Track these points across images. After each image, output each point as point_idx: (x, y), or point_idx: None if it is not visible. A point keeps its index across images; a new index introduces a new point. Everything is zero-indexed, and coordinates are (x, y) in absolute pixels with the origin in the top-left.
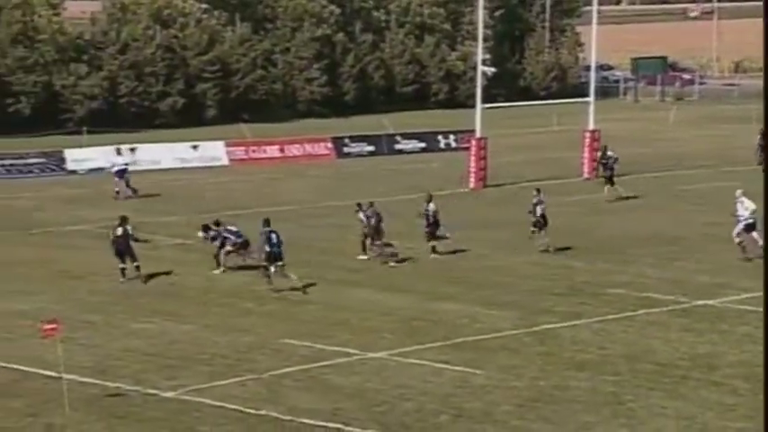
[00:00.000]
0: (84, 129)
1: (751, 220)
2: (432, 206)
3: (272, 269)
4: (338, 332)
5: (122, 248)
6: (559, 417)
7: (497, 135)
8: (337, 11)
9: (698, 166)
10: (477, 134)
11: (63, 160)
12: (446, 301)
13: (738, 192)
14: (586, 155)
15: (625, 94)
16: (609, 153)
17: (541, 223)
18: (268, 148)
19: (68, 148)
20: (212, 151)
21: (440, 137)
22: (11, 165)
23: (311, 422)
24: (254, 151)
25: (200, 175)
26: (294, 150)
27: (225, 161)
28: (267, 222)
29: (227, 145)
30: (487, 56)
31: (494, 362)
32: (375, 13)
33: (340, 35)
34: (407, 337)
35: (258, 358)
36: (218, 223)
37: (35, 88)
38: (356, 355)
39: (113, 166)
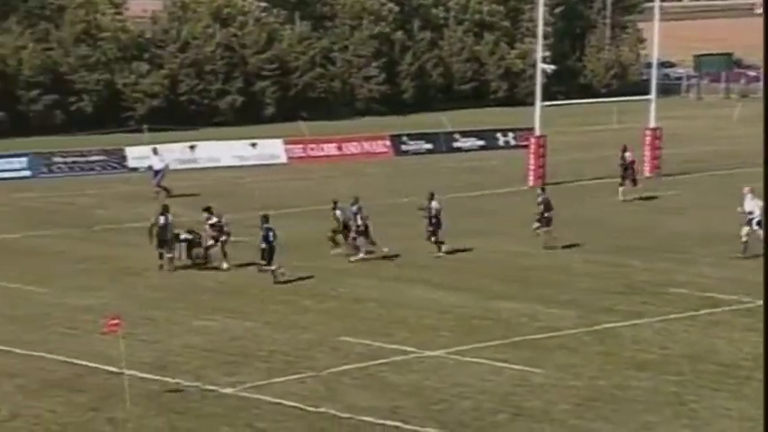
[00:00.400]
0: (145, 127)
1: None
2: (435, 204)
3: (273, 267)
4: (396, 330)
5: (165, 238)
6: (619, 416)
7: (557, 133)
8: (396, 8)
9: (761, 164)
10: (537, 132)
11: (124, 158)
12: (504, 300)
13: (746, 189)
14: (647, 153)
15: (687, 91)
16: (626, 154)
17: (546, 220)
18: (326, 145)
19: (129, 146)
20: (271, 149)
21: (498, 135)
22: (73, 162)
23: (370, 420)
24: (312, 149)
25: (259, 172)
26: (352, 148)
27: (283, 159)
28: (266, 219)
29: (286, 143)
30: (547, 53)
31: (552, 361)
32: (434, 11)
33: (398, 33)
34: (465, 336)
35: (317, 356)
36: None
37: (97, 86)
38: (414, 354)
39: (150, 166)
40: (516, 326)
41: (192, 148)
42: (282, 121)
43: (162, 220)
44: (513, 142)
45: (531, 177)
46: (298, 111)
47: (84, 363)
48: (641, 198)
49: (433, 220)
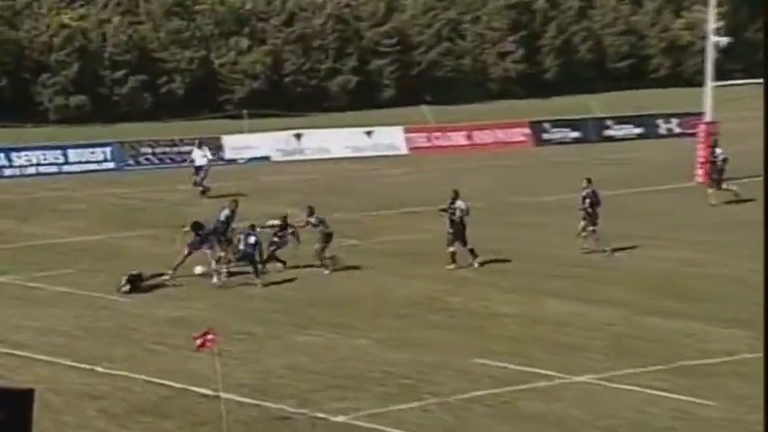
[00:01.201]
0: (245, 112)
1: None
2: (460, 204)
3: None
4: (535, 350)
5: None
6: None
7: (732, 119)
8: None
9: None
10: (707, 117)
11: (220, 148)
12: (663, 316)
13: None
14: None
15: None
16: (717, 150)
17: (592, 218)
18: (453, 134)
19: (227, 135)
20: (389, 138)
21: (659, 121)
22: (163, 153)
23: None
24: (437, 138)
25: (375, 165)
26: (484, 137)
27: (403, 150)
28: (251, 225)
29: (407, 131)
30: (721, 23)
31: (723, 390)
32: None
33: (540, 1)
34: (617, 358)
35: (442, 379)
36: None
37: (191, 65)
38: (557, 378)
39: (192, 160)
40: (678, 348)
41: (297, 136)
42: (403, 105)
43: (225, 214)
44: (677, 130)
45: (700, 172)
46: (421, 93)
47: (173, 384)
48: (735, 201)
49: (456, 224)
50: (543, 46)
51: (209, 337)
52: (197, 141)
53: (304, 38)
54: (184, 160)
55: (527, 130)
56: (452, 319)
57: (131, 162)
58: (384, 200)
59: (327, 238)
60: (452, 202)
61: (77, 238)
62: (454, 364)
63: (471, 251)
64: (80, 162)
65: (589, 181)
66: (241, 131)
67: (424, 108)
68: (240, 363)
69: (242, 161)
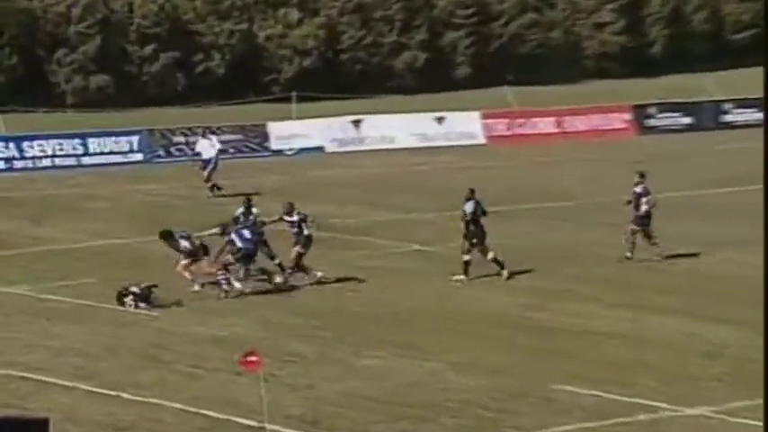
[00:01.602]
0: (294, 94)
1: None
2: (470, 206)
3: (241, 272)
4: (637, 376)
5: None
6: None
7: None
8: None
9: None
10: None
11: (266, 137)
12: None
13: None
14: None
15: None
16: None
17: (641, 219)
18: (540, 120)
19: (273, 121)
20: (464, 125)
21: None
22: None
23: None
24: (520, 125)
25: (448, 156)
26: (577, 124)
27: (480, 138)
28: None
29: (485, 116)
30: None
31: None
32: None
33: None
34: (740, 388)
35: (525, 410)
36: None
37: (231, 40)
38: (664, 411)
39: (199, 153)
40: None
41: (355, 123)
42: (480, 86)
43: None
44: None
45: None
46: (501, 72)
47: (211, 414)
48: None
49: (471, 228)
50: (648, 15)
51: (254, 358)
52: (202, 130)
53: (363, 7)
54: (224, 151)
55: (628, 116)
56: (538, 338)
57: (162, 153)
58: (457, 198)
59: (308, 241)
60: (465, 204)
61: (99, 242)
62: (539, 392)
63: (495, 261)
64: (102, 153)
65: (642, 175)
66: (289, 117)
67: (506, 90)
68: (289, 389)
69: (290, 152)
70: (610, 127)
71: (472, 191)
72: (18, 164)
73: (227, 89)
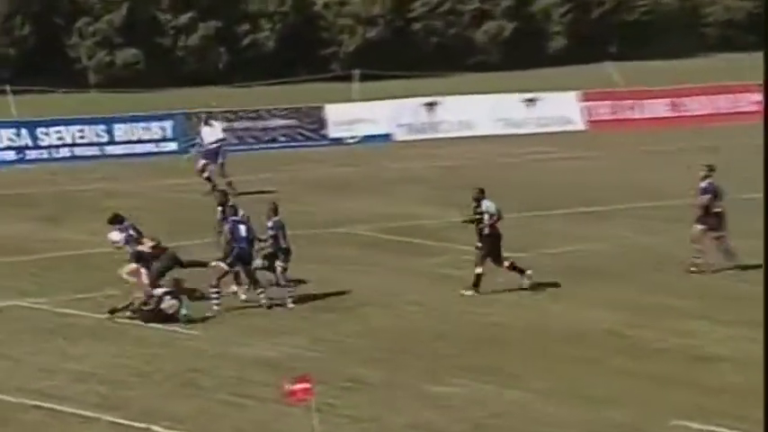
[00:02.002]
0: (356, 72)
1: None
2: (488, 206)
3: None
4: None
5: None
6: None
7: None
8: None
9: None
10: None
11: (322, 122)
12: None
13: None
14: None
15: None
16: None
17: (711, 220)
18: (651, 102)
19: (331, 104)
20: (559, 108)
21: None
22: (245, 129)
23: None
24: (627, 107)
25: (539, 146)
26: (696, 106)
27: (579, 124)
28: (235, 210)
29: (584, 98)
30: None
31: None
32: None
33: None
34: None
35: None
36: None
37: (282, 7)
38: None
39: (201, 143)
40: None
41: (429, 106)
42: (578, 61)
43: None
44: None
45: None
46: (604, 45)
47: None
48: None
49: (489, 235)
50: None
51: (305, 385)
52: (204, 116)
53: None
54: (273, 139)
55: (758, 96)
56: (643, 361)
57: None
58: (550, 195)
59: (287, 255)
60: (477, 206)
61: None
62: (647, 427)
63: (514, 267)
64: (130, 141)
65: (711, 168)
66: (350, 99)
67: (609, 65)
68: (349, 421)
69: (351, 141)
70: (735, 110)
71: (482, 191)
72: (31, 154)
73: (277, 66)
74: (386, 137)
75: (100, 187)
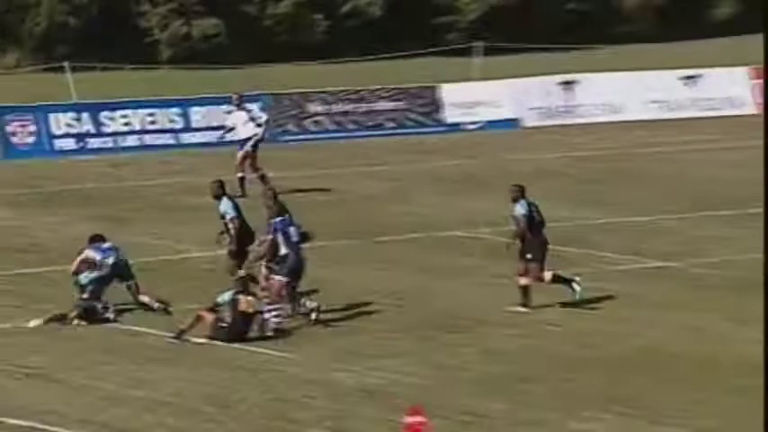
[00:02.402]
0: (478, 45)
1: None
2: (518, 209)
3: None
4: None
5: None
6: None
7: None
8: None
9: None
10: None
11: (437, 105)
12: None
13: None
14: None
15: None
16: None
17: None
18: None
19: (447, 83)
20: (724, 87)
21: None
22: (343, 113)
23: None
24: None
25: (700, 133)
26: None
27: (749, 106)
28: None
29: (756, 75)
30: None
31: None
32: None
33: None
34: None
35: None
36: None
37: None
38: None
39: (231, 129)
40: None
41: (566, 85)
42: (748, 31)
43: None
44: None
45: None
46: None
47: None
48: None
49: (528, 238)
50: None
51: (419, 420)
52: (235, 97)
53: None
54: (377, 125)
55: None
56: None
57: (292, 127)
58: (712, 193)
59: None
60: (512, 206)
61: (206, 253)
62: None
63: (559, 278)
64: (209, 128)
65: None
66: (470, 78)
67: None
68: None
69: (471, 127)
70: None
71: (521, 188)
72: (94, 143)
73: (383, 38)
74: (513, 122)
75: (175, 182)
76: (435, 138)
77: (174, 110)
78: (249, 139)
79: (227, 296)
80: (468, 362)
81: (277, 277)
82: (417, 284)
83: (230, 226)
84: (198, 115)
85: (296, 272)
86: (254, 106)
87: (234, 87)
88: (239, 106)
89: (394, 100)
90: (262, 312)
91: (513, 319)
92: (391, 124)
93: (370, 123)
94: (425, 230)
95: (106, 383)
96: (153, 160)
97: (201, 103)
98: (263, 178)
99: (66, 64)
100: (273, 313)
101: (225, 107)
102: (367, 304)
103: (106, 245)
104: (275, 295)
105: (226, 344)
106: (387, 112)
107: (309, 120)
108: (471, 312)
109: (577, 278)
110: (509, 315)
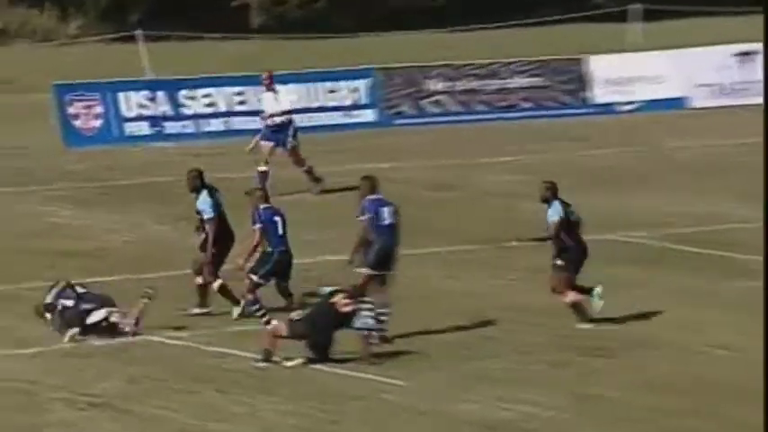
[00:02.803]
0: (636, 8)
1: None
2: (553, 212)
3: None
4: None
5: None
6: None
7: None
8: None
9: None
10: None
11: (584, 82)
12: None
13: None
14: None
15: None
16: None
17: None
18: None
19: (597, 54)
20: None
21: None
22: (470, 92)
23: None
24: None
25: None
26: None
27: None
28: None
29: None
30: None
31: None
32: None
33: None
34: None
35: None
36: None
37: None
38: None
39: (268, 114)
40: None
41: (744, 57)
42: None
43: None
44: None
45: None
46: None
47: None
48: None
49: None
50: None
51: None
52: (265, 76)
53: None
54: (511, 106)
55: None
56: None
57: (407, 109)
58: None
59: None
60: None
61: (306, 260)
62: None
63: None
64: (308, 109)
65: None
66: (623, 50)
67: None
68: None
69: (627, 108)
70: None
71: (553, 186)
72: (171, 127)
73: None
74: (679, 102)
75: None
76: (582, 121)
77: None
78: (284, 126)
79: (326, 289)
80: (618, 390)
81: (362, 270)
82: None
83: (206, 227)
84: (294, 95)
85: (384, 262)
86: (281, 89)
87: (336, 60)
88: (269, 87)
89: (531, 75)
90: (355, 313)
91: (676, 339)
92: (528, 105)
93: (503, 104)
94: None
95: (183, 415)
96: (241, 148)
97: (299, 79)
98: (310, 171)
99: (138, 33)
100: (371, 315)
101: (328, 84)
102: (493, 322)
103: None
104: (361, 292)
105: (320, 366)
106: (522, 90)
107: (427, 99)
108: (620, 333)
109: (597, 289)
110: (670, 335)
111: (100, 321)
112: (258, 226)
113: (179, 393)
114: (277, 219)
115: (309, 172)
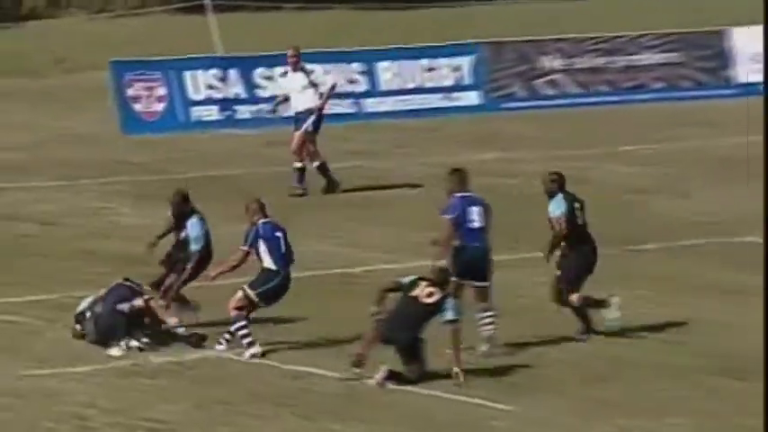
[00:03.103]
0: None
1: None
2: (556, 206)
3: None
4: None
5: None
6: None
7: None
8: None
9: None
10: None
11: (725, 58)
12: None
13: None
14: None
15: None
16: None
17: None
18: None
19: (740, 27)
20: None
21: None
22: (591, 71)
23: None
24: None
25: None
26: None
27: None
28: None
29: None
30: None
31: None
32: None
33: None
34: None
35: None
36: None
37: None
38: None
39: (285, 99)
40: None
41: None
42: None
43: None
44: None
45: None
46: None
47: None
48: None
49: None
50: None
51: None
52: (290, 53)
53: None
54: (640, 86)
55: None
56: None
57: (518, 91)
58: None
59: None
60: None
61: (393, 266)
62: None
63: (598, 302)
64: (401, 91)
65: None
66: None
67: None
68: None
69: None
70: None
71: (560, 177)
72: (245, 111)
73: None
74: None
75: (352, 166)
76: (723, 103)
77: (354, 66)
78: (310, 113)
79: (408, 279)
80: (754, 417)
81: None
82: (692, 311)
83: (192, 258)
84: (387, 74)
85: (471, 270)
86: (315, 68)
87: (435, 33)
88: (296, 66)
89: (664, 50)
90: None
91: None
92: (660, 85)
93: (630, 84)
94: (707, 236)
95: None
96: (324, 135)
97: (390, 56)
98: (323, 170)
99: (207, 2)
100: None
101: (425, 62)
102: (621, 338)
103: None
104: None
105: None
106: (654, 67)
107: (542, 79)
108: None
109: (614, 299)
110: None
111: (138, 310)
112: (246, 247)
113: (254, 419)
114: (279, 234)
115: (323, 169)
